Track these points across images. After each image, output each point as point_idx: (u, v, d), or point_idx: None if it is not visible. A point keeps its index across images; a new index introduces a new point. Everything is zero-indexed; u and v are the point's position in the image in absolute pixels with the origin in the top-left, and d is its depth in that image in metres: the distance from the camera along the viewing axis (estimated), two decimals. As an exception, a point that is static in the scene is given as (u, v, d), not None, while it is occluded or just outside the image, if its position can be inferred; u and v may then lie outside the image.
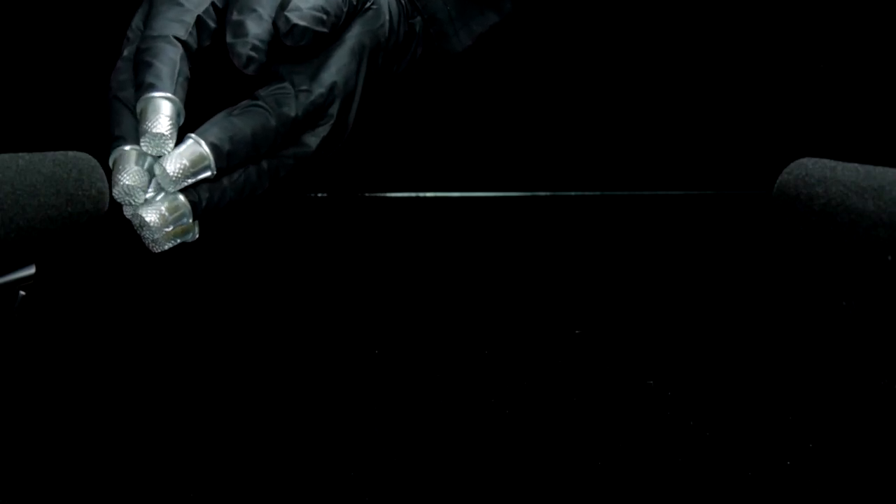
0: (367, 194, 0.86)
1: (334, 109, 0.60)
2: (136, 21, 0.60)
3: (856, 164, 0.47)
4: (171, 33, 0.56)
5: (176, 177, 0.54)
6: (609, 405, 0.59)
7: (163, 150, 0.54)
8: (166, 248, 0.56)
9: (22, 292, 0.52)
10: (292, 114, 0.57)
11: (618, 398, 0.59)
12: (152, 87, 0.54)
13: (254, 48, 0.56)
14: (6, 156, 0.48)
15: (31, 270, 0.52)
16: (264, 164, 0.58)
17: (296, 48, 0.57)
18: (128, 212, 0.55)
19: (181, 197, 0.55)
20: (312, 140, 0.59)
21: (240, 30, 0.56)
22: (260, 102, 0.57)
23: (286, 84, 0.57)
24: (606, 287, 0.72)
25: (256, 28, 0.56)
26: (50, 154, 0.50)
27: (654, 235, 0.80)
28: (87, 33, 0.80)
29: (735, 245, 0.78)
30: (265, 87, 0.58)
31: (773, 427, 0.57)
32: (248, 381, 0.60)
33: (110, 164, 0.55)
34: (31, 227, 0.48)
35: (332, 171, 0.86)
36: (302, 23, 0.56)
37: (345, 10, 0.59)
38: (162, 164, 0.54)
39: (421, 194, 0.86)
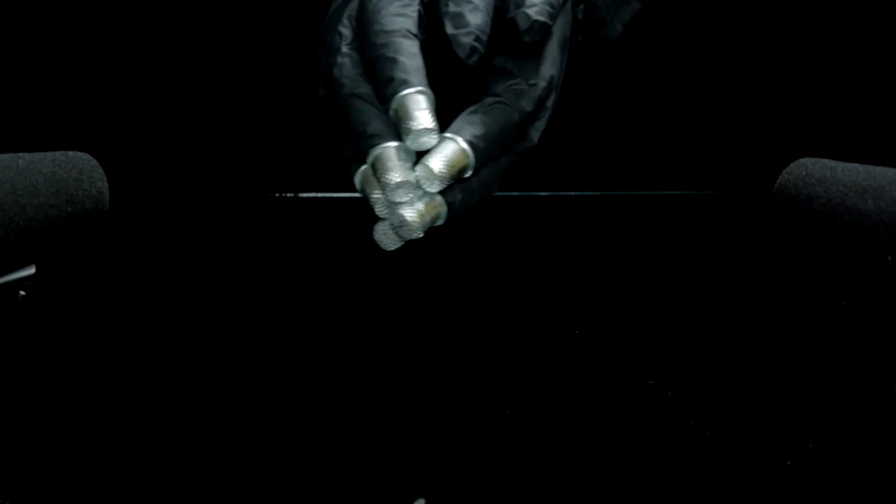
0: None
1: (551, 101, 0.60)
2: (348, 15, 0.58)
3: (856, 164, 0.47)
4: (404, 27, 0.55)
5: (441, 176, 0.53)
6: (609, 405, 0.59)
7: (427, 145, 0.53)
8: (398, 246, 0.55)
9: (22, 292, 0.52)
10: (528, 108, 0.57)
11: (618, 398, 0.59)
12: (406, 84, 0.53)
13: (476, 38, 0.55)
14: (6, 156, 0.48)
15: (31, 270, 0.52)
16: (502, 162, 0.58)
17: (528, 43, 0.57)
18: (382, 209, 0.54)
19: (439, 197, 0.54)
20: (535, 133, 0.59)
21: (460, 21, 0.56)
22: (502, 99, 0.56)
23: (519, 79, 0.57)
24: (606, 287, 0.72)
25: (476, 19, 0.56)
26: (50, 154, 0.50)
27: (654, 235, 0.80)
28: (88, 33, 0.80)
29: (735, 245, 0.78)
30: (498, 83, 0.57)
31: (773, 427, 0.57)
32: (247, 380, 0.60)
33: (369, 161, 0.54)
34: (31, 227, 0.48)
35: (329, 171, 0.86)
36: (541, 18, 0.56)
37: (561, 2, 0.59)
38: (426, 164, 0.53)
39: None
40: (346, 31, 0.57)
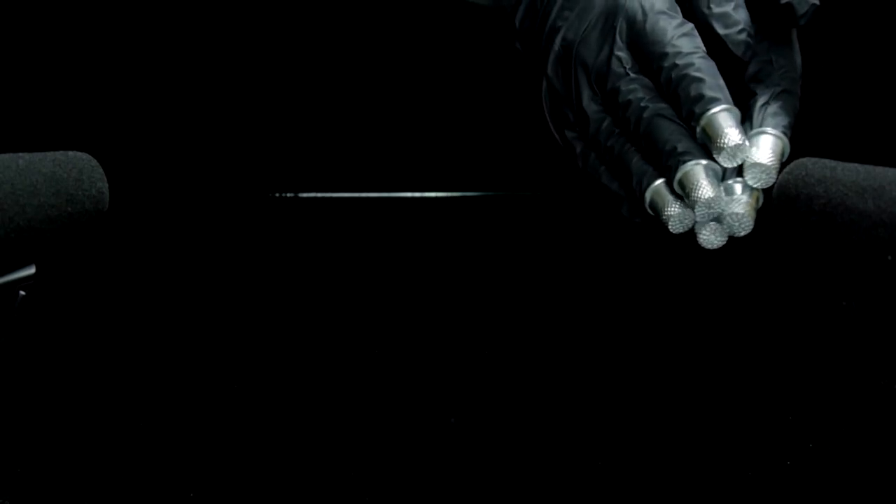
0: (366, 195, 0.86)
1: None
2: (619, 37, 0.59)
3: (856, 164, 0.47)
4: (699, 47, 0.57)
5: (774, 166, 0.54)
6: (609, 405, 0.59)
7: (737, 161, 0.55)
8: (723, 243, 0.57)
9: (22, 292, 0.52)
10: (799, 95, 0.58)
11: (618, 398, 0.59)
12: (716, 101, 0.55)
13: (748, 35, 0.57)
14: (6, 156, 0.48)
15: (31, 270, 0.52)
16: None
17: (787, 31, 0.58)
18: (677, 225, 0.56)
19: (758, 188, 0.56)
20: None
21: (728, 20, 0.57)
22: (785, 87, 0.58)
23: (789, 67, 0.59)
24: (606, 287, 0.72)
25: (742, 15, 0.57)
26: (50, 154, 0.50)
27: (653, 236, 0.80)
28: (88, 33, 0.80)
29: (735, 245, 0.78)
30: (775, 74, 0.58)
31: (773, 427, 0.57)
32: (247, 380, 0.60)
33: (677, 177, 0.55)
34: (31, 227, 0.48)
35: (329, 171, 0.86)
36: (816, 1, 0.57)
37: None
38: (757, 161, 0.54)
39: (421, 194, 0.86)
40: (623, 55, 0.59)
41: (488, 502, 0.52)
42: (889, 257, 0.46)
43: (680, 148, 0.56)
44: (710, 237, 0.57)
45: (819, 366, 0.62)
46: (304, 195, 0.85)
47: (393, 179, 0.86)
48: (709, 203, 0.54)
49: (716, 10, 0.58)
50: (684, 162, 0.55)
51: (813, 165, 0.48)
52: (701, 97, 0.55)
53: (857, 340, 0.65)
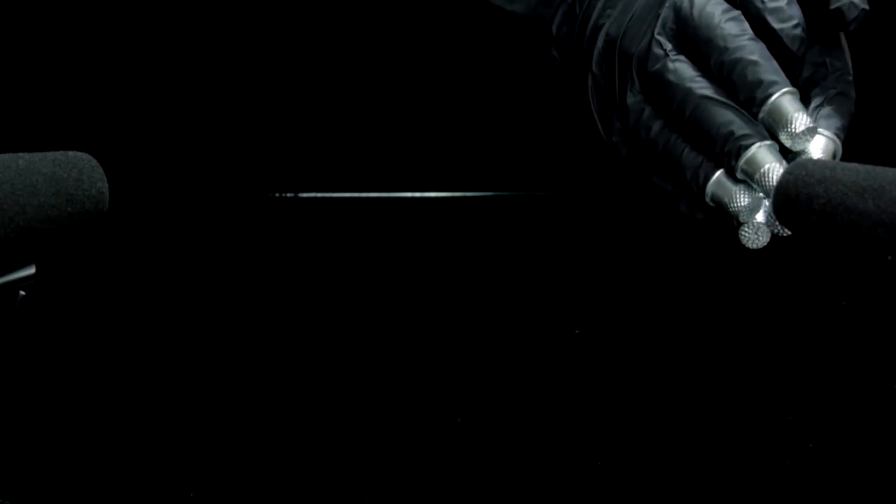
0: (365, 195, 0.86)
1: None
2: (662, 25, 0.58)
3: (856, 164, 0.47)
4: (747, 31, 0.56)
5: None
6: (609, 405, 0.59)
7: (806, 144, 0.53)
8: (766, 243, 0.56)
9: (22, 292, 0.52)
10: (854, 97, 0.58)
11: (618, 398, 0.59)
12: (776, 84, 0.54)
13: (803, 29, 0.56)
14: (6, 156, 0.48)
15: (31, 270, 0.52)
16: None
17: (837, 34, 0.58)
18: (748, 214, 0.54)
19: None
20: None
21: (783, 14, 0.56)
22: (839, 89, 0.57)
23: (843, 69, 0.58)
24: (606, 287, 0.72)
25: (796, 10, 0.56)
26: (50, 154, 0.50)
27: (653, 235, 0.80)
28: (88, 33, 0.80)
29: (735, 245, 0.78)
30: (830, 76, 0.58)
31: (773, 427, 0.57)
32: (247, 381, 0.60)
33: (741, 162, 0.53)
34: (31, 227, 0.48)
35: (329, 171, 0.86)
36: (865, 6, 0.57)
37: None
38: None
39: (421, 194, 0.86)
40: (664, 39, 0.57)
41: (487, 502, 0.52)
42: (889, 257, 0.46)
43: (738, 131, 0.54)
44: (753, 235, 0.55)
45: (819, 366, 0.62)
46: (304, 195, 0.86)
47: (393, 179, 0.86)
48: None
49: (770, 4, 0.56)
50: (748, 146, 0.53)
51: (813, 165, 0.48)
52: (760, 82, 0.54)
53: (857, 340, 0.65)
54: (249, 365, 0.62)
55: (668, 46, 0.57)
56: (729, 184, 0.54)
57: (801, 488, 0.52)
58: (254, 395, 0.59)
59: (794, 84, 0.55)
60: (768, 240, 0.55)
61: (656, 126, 0.58)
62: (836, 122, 0.56)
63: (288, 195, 0.85)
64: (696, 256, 0.77)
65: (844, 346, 0.64)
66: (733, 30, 0.55)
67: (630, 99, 0.58)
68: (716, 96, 0.55)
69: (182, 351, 0.63)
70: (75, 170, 0.51)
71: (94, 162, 0.52)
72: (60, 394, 0.59)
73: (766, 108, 0.53)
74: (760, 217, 0.55)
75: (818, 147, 0.54)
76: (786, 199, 0.48)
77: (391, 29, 0.83)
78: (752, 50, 0.55)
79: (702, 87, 0.55)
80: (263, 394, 0.59)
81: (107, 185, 0.53)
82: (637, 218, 0.84)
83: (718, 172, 0.55)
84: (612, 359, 0.63)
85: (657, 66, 0.57)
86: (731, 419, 0.57)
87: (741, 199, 0.54)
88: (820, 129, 0.55)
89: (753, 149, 0.53)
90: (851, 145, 0.57)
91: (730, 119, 0.54)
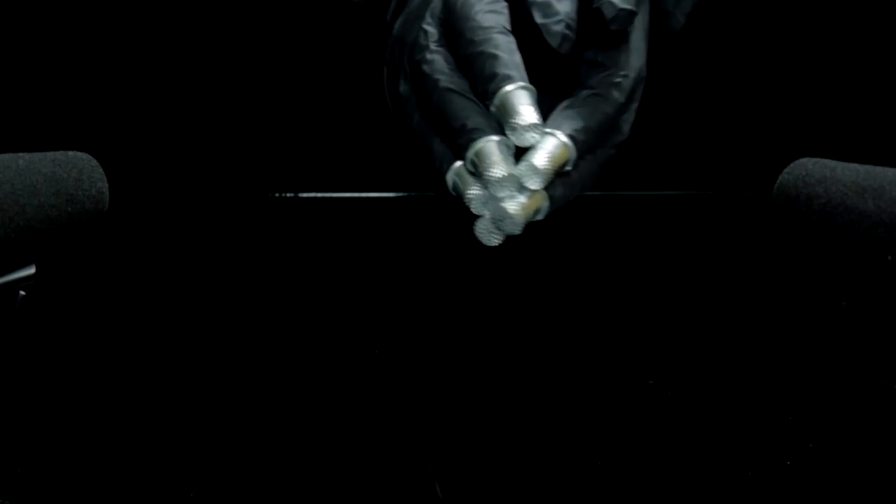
0: (366, 195, 0.86)
1: (639, 93, 0.60)
2: (430, 13, 0.58)
3: (856, 164, 0.47)
4: (499, 24, 0.55)
5: (546, 171, 0.53)
6: (609, 405, 0.59)
7: (531, 141, 0.53)
8: (500, 242, 0.55)
9: (22, 292, 0.52)
10: (621, 100, 0.57)
11: (618, 398, 0.59)
12: (509, 79, 0.53)
13: (567, 26, 0.55)
14: (6, 156, 0.48)
15: (31, 270, 0.52)
16: (598, 155, 0.57)
17: (611, 33, 0.57)
18: (479, 207, 0.54)
19: (543, 192, 0.54)
20: (626, 126, 0.59)
21: (549, 10, 0.55)
22: (597, 91, 0.56)
23: (611, 70, 0.57)
24: (606, 287, 0.72)
25: (564, 7, 0.56)
26: (50, 154, 0.50)
27: (654, 235, 0.80)
28: (88, 33, 0.80)
29: (735, 245, 0.78)
30: (591, 76, 0.57)
31: (773, 427, 0.57)
32: (247, 381, 0.60)
33: (469, 155, 0.53)
34: (31, 227, 0.48)
35: (329, 171, 0.86)
36: (627, 6, 0.56)
37: None
38: (529, 161, 0.53)
39: (421, 194, 0.86)
40: (431, 29, 0.57)
41: (487, 502, 0.52)
42: (889, 257, 0.46)
43: (470, 124, 0.53)
44: (485, 231, 0.54)
45: (819, 366, 0.62)
46: (304, 195, 0.85)
47: (393, 179, 0.86)
48: (502, 181, 0.52)
49: None
50: (476, 139, 0.53)
51: (813, 165, 0.48)
52: (494, 75, 0.53)
53: (857, 340, 0.65)
54: (249, 365, 0.62)
55: (434, 37, 0.56)
56: (466, 175, 0.54)
57: (801, 488, 0.52)
58: (254, 395, 0.59)
59: (569, 82, 0.55)
60: (502, 238, 0.55)
61: (416, 115, 0.58)
62: (574, 123, 0.54)
63: (288, 195, 0.85)
64: (696, 256, 0.77)
65: (844, 346, 0.64)
66: (485, 22, 0.54)
67: (401, 87, 0.58)
68: (457, 89, 0.54)
69: (182, 351, 0.63)
70: (75, 170, 0.51)
71: (94, 162, 0.52)
72: (60, 394, 0.59)
73: (496, 101, 0.53)
74: (487, 213, 0.54)
75: (545, 147, 0.53)
76: (786, 199, 0.48)
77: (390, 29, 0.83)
78: (496, 44, 0.54)
79: (447, 79, 0.55)
80: (263, 394, 0.59)
81: (107, 185, 0.53)
82: (637, 218, 0.84)
83: (458, 163, 0.54)
84: (611, 359, 0.63)
85: (417, 56, 0.57)
86: (731, 419, 0.57)
87: (472, 190, 0.54)
88: (551, 129, 0.54)
89: (480, 143, 0.53)
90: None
91: (466, 112, 0.54)
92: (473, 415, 0.58)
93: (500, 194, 0.53)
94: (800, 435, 0.56)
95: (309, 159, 0.85)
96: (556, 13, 0.55)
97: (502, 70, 0.53)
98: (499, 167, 0.52)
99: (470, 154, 0.53)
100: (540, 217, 0.55)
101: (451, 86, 0.55)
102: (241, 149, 0.85)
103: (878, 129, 0.83)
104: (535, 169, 0.52)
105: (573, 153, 0.54)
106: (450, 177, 0.54)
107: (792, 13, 0.82)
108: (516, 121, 0.52)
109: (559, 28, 0.55)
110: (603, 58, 0.57)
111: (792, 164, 0.49)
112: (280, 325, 0.66)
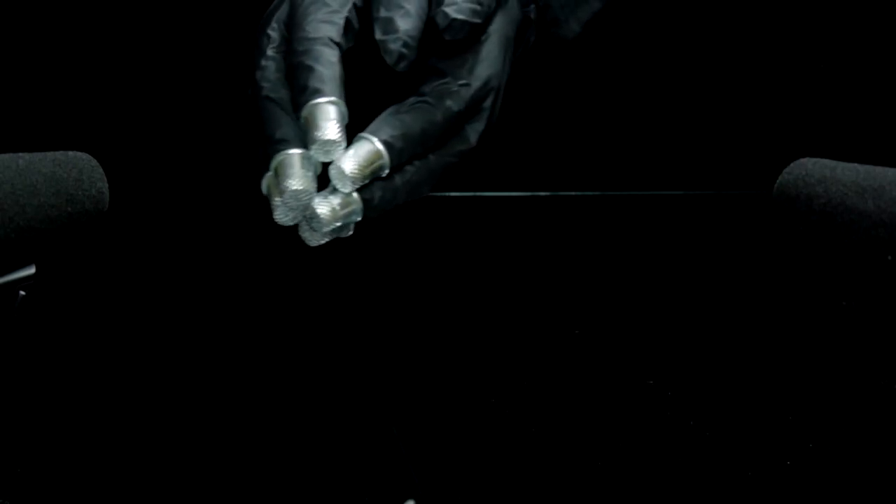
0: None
1: (489, 103, 0.60)
2: (277, 18, 0.59)
3: (856, 164, 0.47)
4: (326, 35, 0.55)
5: (353, 176, 0.54)
6: (609, 405, 0.59)
7: (332, 156, 0.54)
8: (322, 242, 0.56)
9: (22, 292, 0.52)
10: (455, 108, 0.57)
11: (618, 398, 0.59)
12: (318, 93, 0.54)
13: (405, 45, 0.55)
14: (6, 156, 0.48)
15: (31, 270, 0.52)
16: (432, 162, 0.58)
17: (453, 42, 0.57)
18: (282, 216, 0.54)
19: (355, 194, 0.55)
20: (473, 135, 0.59)
21: (390, 26, 0.55)
22: (427, 98, 0.56)
23: (448, 79, 0.57)
24: (606, 287, 0.72)
25: (406, 24, 0.55)
26: (50, 154, 0.50)
27: (654, 235, 0.80)
28: (88, 33, 0.80)
29: (735, 245, 0.78)
30: (427, 83, 0.57)
31: (773, 427, 0.57)
32: (247, 381, 0.60)
33: (272, 167, 0.54)
34: (31, 227, 0.48)
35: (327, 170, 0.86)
36: (461, 16, 0.56)
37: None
38: (338, 164, 0.53)
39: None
40: (274, 34, 0.58)
41: (487, 501, 0.52)
42: (889, 257, 0.46)
43: (277, 135, 0.54)
44: (305, 233, 0.55)
45: (819, 366, 0.62)
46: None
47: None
48: (296, 195, 0.53)
49: (383, 14, 0.56)
50: (279, 150, 0.54)
51: (813, 165, 0.48)
52: (305, 87, 0.54)
53: (857, 340, 0.65)
54: (249, 364, 0.62)
55: (275, 43, 0.57)
56: (274, 183, 0.54)
57: (802, 488, 0.52)
58: (254, 395, 0.59)
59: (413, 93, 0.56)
60: (323, 239, 0.55)
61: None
62: (389, 129, 0.55)
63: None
64: (696, 256, 0.77)
65: (844, 346, 0.64)
66: (312, 33, 0.55)
67: (249, 92, 0.58)
68: (275, 98, 0.55)
69: (182, 351, 0.63)
70: (75, 170, 0.51)
71: (94, 162, 0.52)
72: (60, 394, 0.59)
73: (303, 113, 0.54)
74: (290, 222, 0.55)
75: (356, 152, 0.54)
76: (786, 199, 0.48)
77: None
78: (316, 56, 0.54)
79: (270, 87, 0.56)
80: (263, 393, 0.59)
81: (107, 185, 0.53)
82: (637, 218, 0.84)
83: (271, 172, 0.55)
84: (612, 359, 0.63)
85: (255, 60, 0.57)
86: (731, 419, 0.57)
87: (277, 199, 0.54)
88: (367, 134, 0.54)
89: (281, 155, 0.54)
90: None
91: (277, 123, 0.55)
92: (473, 415, 0.58)
93: (294, 206, 0.54)
94: (800, 435, 0.56)
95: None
96: (396, 30, 0.55)
97: (313, 83, 0.54)
98: (294, 180, 0.53)
99: (273, 164, 0.54)
100: (356, 219, 0.55)
101: (271, 94, 0.56)
102: (241, 149, 0.85)
103: (878, 129, 0.83)
104: (341, 172, 0.53)
105: (386, 159, 0.54)
106: (263, 183, 0.55)
107: (792, 13, 0.82)
108: (317, 135, 0.53)
109: (396, 46, 0.55)
110: (444, 66, 0.58)
111: (792, 164, 0.49)
112: (280, 325, 0.66)
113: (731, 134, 0.86)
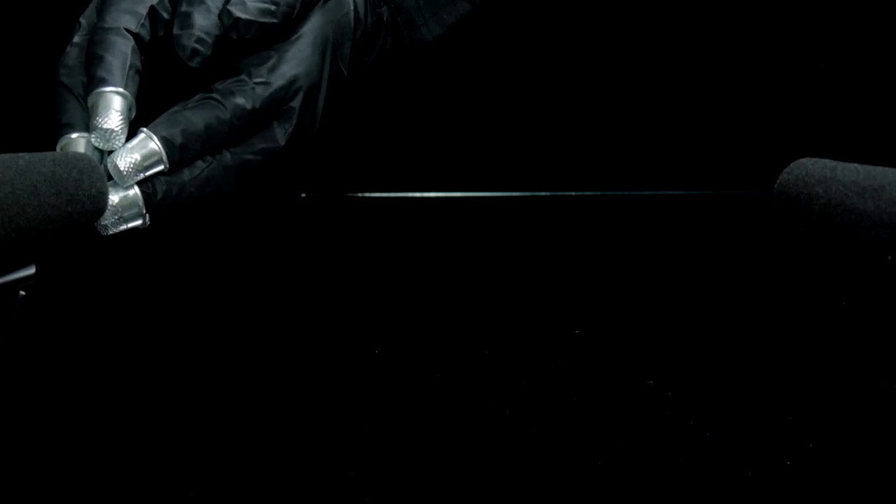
0: (366, 195, 0.86)
1: (297, 103, 0.59)
2: (91, 8, 0.59)
3: (856, 164, 0.47)
4: (122, 25, 0.56)
5: (127, 171, 0.54)
6: (609, 405, 0.59)
7: (113, 146, 0.54)
8: (114, 232, 0.56)
9: (22, 292, 0.52)
10: (248, 106, 0.57)
11: (618, 398, 0.59)
12: (103, 82, 0.54)
13: (199, 40, 0.56)
14: (6, 156, 0.48)
15: (31, 270, 0.52)
16: (228, 160, 0.58)
17: (247, 41, 0.57)
18: None
19: (135, 188, 0.55)
20: (280, 135, 0.59)
21: (186, 21, 0.56)
22: (214, 95, 0.57)
23: (242, 76, 0.57)
24: (606, 287, 0.72)
25: (203, 20, 0.56)
26: (50, 154, 0.50)
27: (654, 235, 0.80)
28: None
29: (735, 245, 0.78)
30: (222, 80, 0.57)
31: (773, 427, 0.57)
32: (247, 381, 0.60)
33: (58, 149, 0.55)
34: (31, 227, 0.48)
35: (329, 171, 0.86)
36: (245, 16, 0.56)
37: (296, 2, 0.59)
38: (113, 160, 0.54)
39: (422, 194, 0.86)
40: (84, 21, 0.58)
41: (487, 501, 0.52)
42: (889, 257, 0.46)
43: (63, 119, 0.55)
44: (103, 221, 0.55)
45: (819, 366, 0.62)
46: (304, 195, 0.86)
47: (393, 179, 0.86)
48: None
49: (183, 9, 0.56)
50: (62, 135, 0.54)
51: (813, 165, 0.48)
52: (92, 77, 0.54)
53: (857, 340, 0.65)
54: (250, 365, 0.62)
55: (83, 31, 0.58)
56: None
57: (802, 488, 0.52)
58: (254, 395, 0.59)
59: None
60: (117, 229, 0.56)
61: None
62: (168, 126, 0.55)
63: (288, 195, 0.85)
64: (696, 256, 0.77)
65: (844, 346, 0.64)
66: (109, 22, 0.56)
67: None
68: (67, 83, 0.56)
69: (182, 351, 0.63)
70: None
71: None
72: (60, 394, 0.59)
73: (89, 102, 0.54)
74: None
75: (131, 147, 0.54)
76: (786, 199, 0.48)
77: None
78: (107, 45, 0.55)
79: (65, 72, 0.56)
80: (263, 393, 0.59)
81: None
82: (637, 218, 0.84)
83: None
84: (612, 359, 0.63)
85: (67, 47, 0.58)
86: (731, 419, 0.57)
87: None
88: (147, 129, 0.55)
89: (66, 139, 0.54)
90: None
91: (65, 107, 0.55)
92: (473, 415, 0.58)
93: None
94: (800, 435, 0.56)
95: (309, 159, 0.85)
96: (192, 26, 0.56)
97: (100, 72, 0.54)
98: (71, 158, 0.53)
99: (58, 148, 0.55)
100: (139, 212, 0.56)
101: (64, 80, 0.56)
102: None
103: (878, 129, 0.83)
104: (115, 167, 0.54)
105: (162, 154, 0.55)
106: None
107: (792, 13, 0.82)
108: (97, 122, 0.54)
109: (189, 42, 0.56)
110: (243, 64, 0.58)
111: (792, 164, 0.49)
112: (281, 326, 0.66)
113: (731, 134, 0.86)
